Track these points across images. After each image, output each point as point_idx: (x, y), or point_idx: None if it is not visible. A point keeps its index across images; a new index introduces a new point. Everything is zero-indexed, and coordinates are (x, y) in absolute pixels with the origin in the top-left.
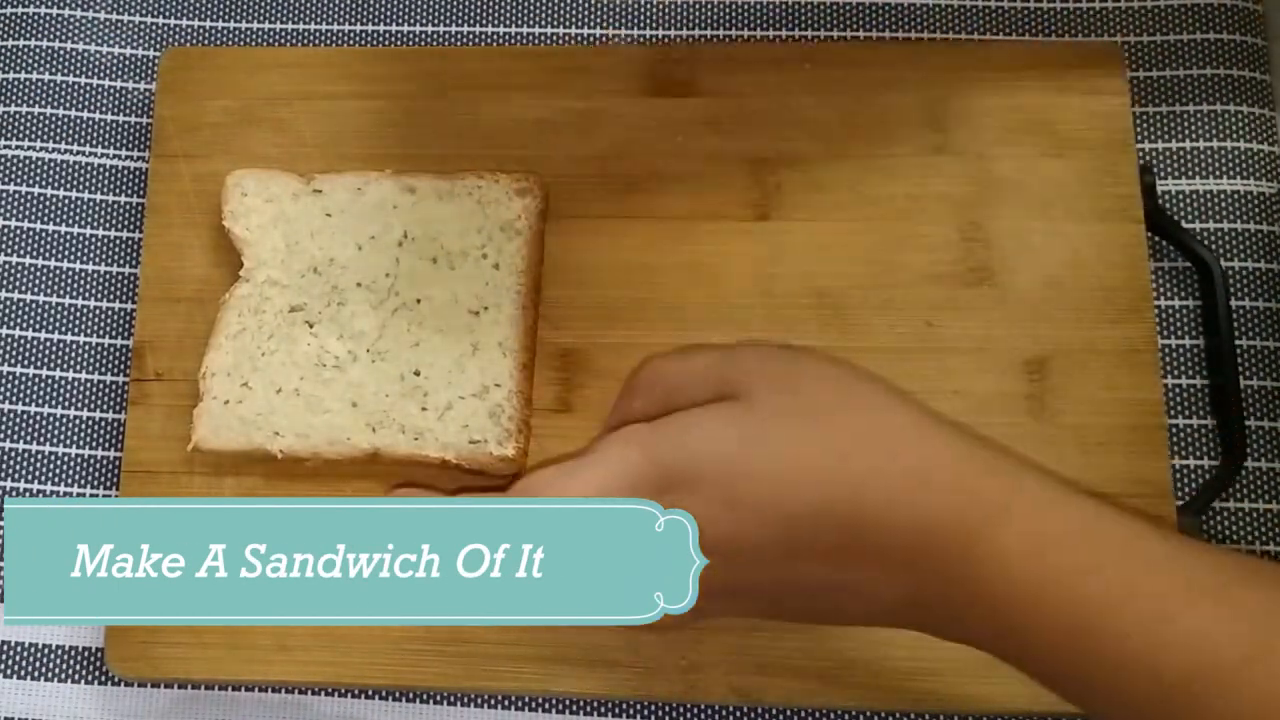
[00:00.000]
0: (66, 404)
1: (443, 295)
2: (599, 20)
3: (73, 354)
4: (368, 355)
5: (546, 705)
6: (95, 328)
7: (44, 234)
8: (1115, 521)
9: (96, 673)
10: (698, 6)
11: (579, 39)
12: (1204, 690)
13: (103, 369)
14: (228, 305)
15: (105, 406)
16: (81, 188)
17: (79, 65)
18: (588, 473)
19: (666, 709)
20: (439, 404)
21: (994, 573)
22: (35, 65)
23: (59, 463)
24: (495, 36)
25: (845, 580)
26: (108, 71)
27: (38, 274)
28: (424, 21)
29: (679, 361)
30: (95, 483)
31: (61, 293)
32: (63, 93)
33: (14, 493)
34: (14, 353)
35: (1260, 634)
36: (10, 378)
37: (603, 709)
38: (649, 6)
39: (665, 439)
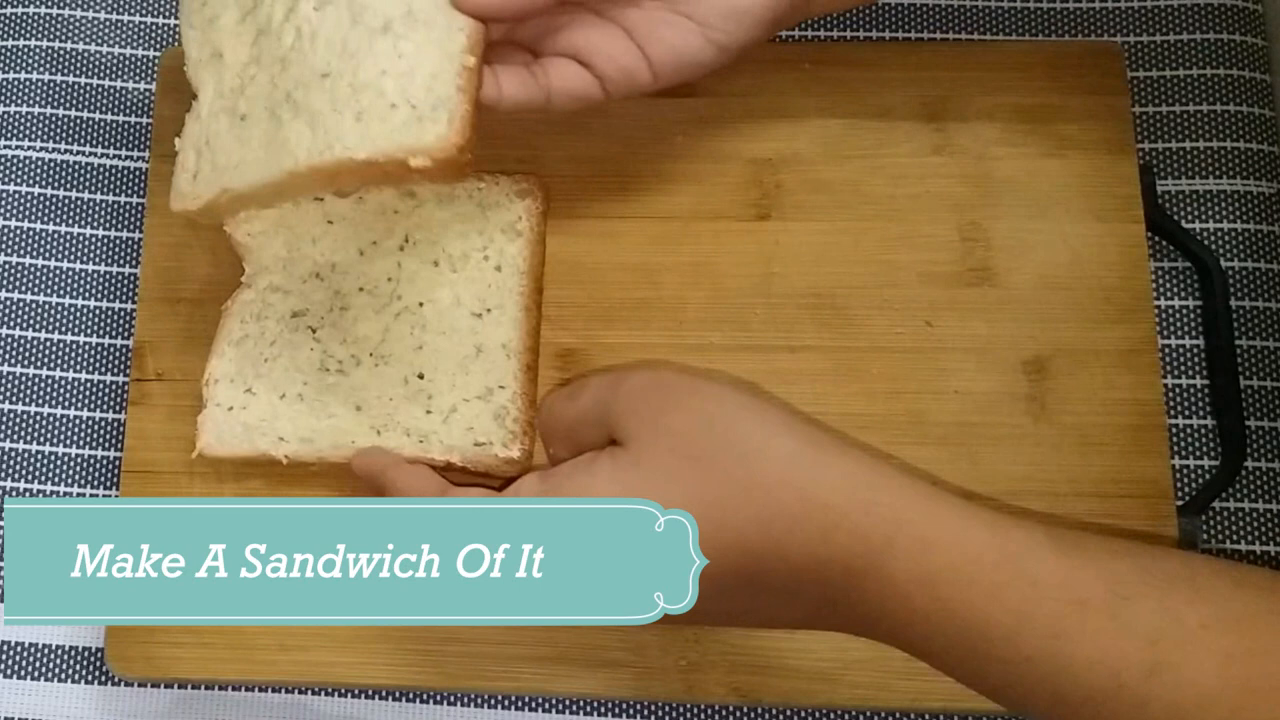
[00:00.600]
0: (66, 404)
1: (445, 298)
2: None
3: (73, 354)
4: (371, 359)
5: (546, 705)
6: (95, 328)
7: (44, 234)
8: (1006, 539)
9: (96, 673)
10: None
11: None
12: (1109, 710)
13: (103, 369)
14: (230, 312)
15: (105, 406)
16: (81, 188)
17: (79, 65)
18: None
19: (666, 709)
20: (443, 407)
21: (888, 603)
22: (35, 65)
23: (59, 463)
24: None
25: (748, 605)
26: (108, 71)
27: (38, 274)
28: None
29: (568, 401)
30: (95, 483)
31: (61, 293)
32: (63, 93)
33: (14, 493)
34: (14, 353)
35: (1157, 648)
36: (10, 378)
37: (603, 709)
38: None
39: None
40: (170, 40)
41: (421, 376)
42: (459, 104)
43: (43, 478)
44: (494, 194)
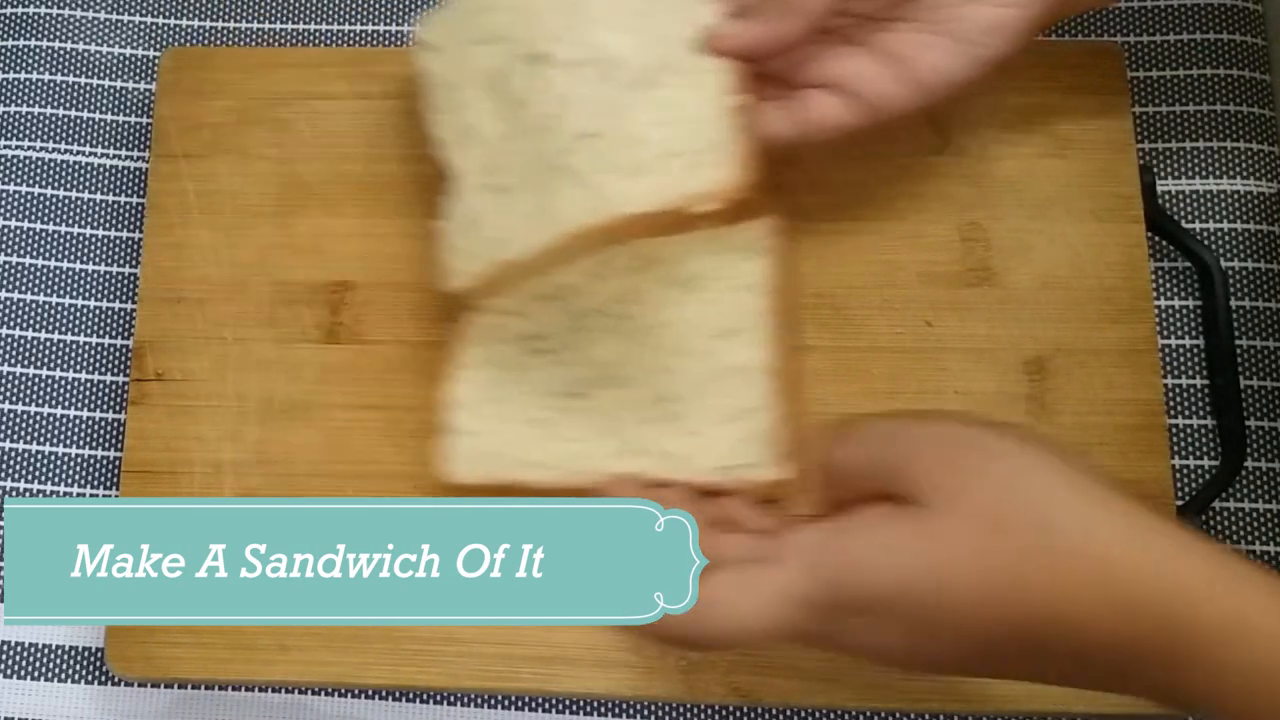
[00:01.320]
0: (66, 404)
1: (686, 319)
2: None
3: (73, 354)
4: (613, 382)
5: (546, 705)
6: (95, 328)
7: (44, 234)
8: None
9: (96, 673)
10: None
11: None
12: None
13: (103, 369)
14: (464, 336)
15: (105, 406)
16: (81, 188)
17: (79, 65)
18: (756, 593)
19: (666, 709)
20: (695, 429)
21: (1207, 689)
22: (35, 65)
23: (59, 463)
24: None
25: (1022, 668)
26: (108, 71)
27: (38, 274)
28: None
29: (841, 445)
30: (95, 483)
31: (61, 293)
32: (63, 93)
33: (14, 493)
34: (14, 353)
35: None
36: (10, 378)
37: (603, 709)
38: None
39: (837, 563)
40: (170, 40)
41: (669, 399)
42: (735, 144)
43: (43, 478)
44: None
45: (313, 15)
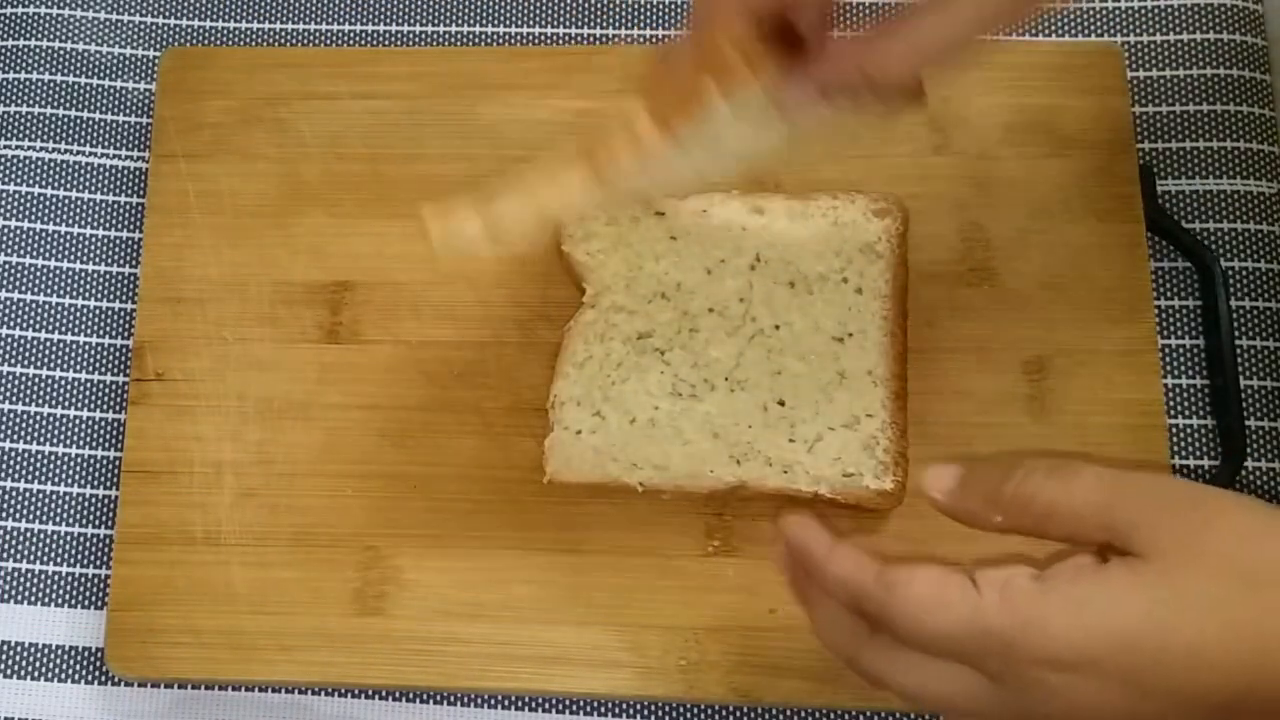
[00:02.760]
0: (66, 404)
1: (802, 321)
2: (599, 20)
3: (73, 354)
4: (725, 384)
5: (546, 705)
6: (95, 328)
7: (44, 234)
8: None
9: (96, 673)
10: None
11: (579, 39)
12: None
13: (103, 369)
14: (572, 332)
15: (105, 406)
16: (81, 188)
17: (79, 65)
18: (949, 593)
19: (666, 709)
20: (808, 435)
21: None
22: (35, 65)
23: (59, 463)
24: (495, 36)
25: None
26: (108, 71)
27: (38, 274)
28: (424, 21)
29: (1059, 484)
30: (95, 483)
31: (61, 293)
32: (63, 93)
33: (14, 493)
34: (14, 353)
35: None
36: (10, 378)
37: (603, 709)
38: (649, 6)
39: (1056, 607)
40: (170, 40)
41: (782, 403)
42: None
43: (43, 478)
44: (849, 213)
45: (313, 15)
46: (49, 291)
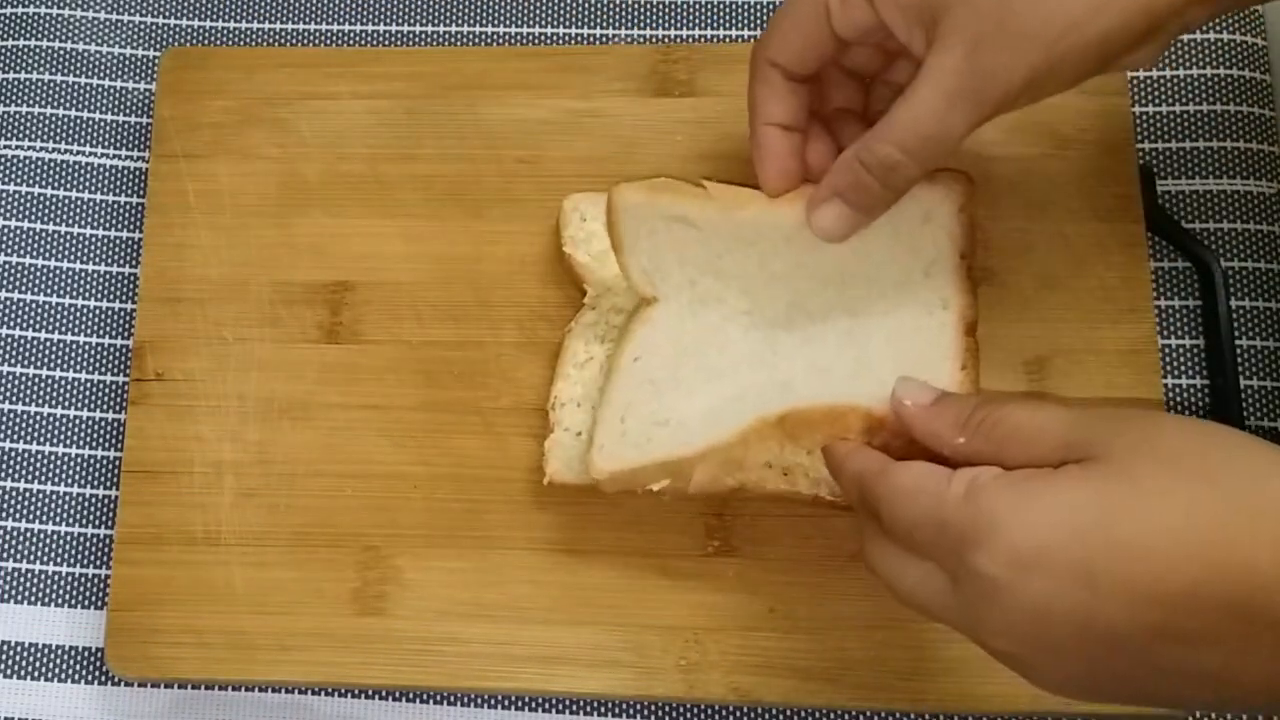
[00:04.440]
0: (66, 404)
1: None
2: (599, 20)
3: (73, 354)
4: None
5: (546, 705)
6: (95, 328)
7: (44, 234)
8: None
9: (96, 673)
10: (698, 6)
11: (579, 39)
12: None
13: (103, 369)
14: (573, 333)
15: (105, 406)
16: (81, 188)
17: (79, 65)
18: (921, 502)
19: (666, 709)
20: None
21: None
22: (35, 65)
23: (59, 463)
24: (495, 36)
25: (1225, 665)
26: (108, 71)
27: (38, 274)
28: (424, 21)
29: (1025, 412)
30: (95, 483)
31: (61, 293)
32: (63, 93)
33: (14, 493)
34: (14, 353)
35: None
36: (10, 378)
37: (603, 709)
38: (649, 6)
39: (1007, 501)
40: (170, 40)
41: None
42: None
43: (43, 478)
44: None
45: (313, 15)
46: (49, 291)
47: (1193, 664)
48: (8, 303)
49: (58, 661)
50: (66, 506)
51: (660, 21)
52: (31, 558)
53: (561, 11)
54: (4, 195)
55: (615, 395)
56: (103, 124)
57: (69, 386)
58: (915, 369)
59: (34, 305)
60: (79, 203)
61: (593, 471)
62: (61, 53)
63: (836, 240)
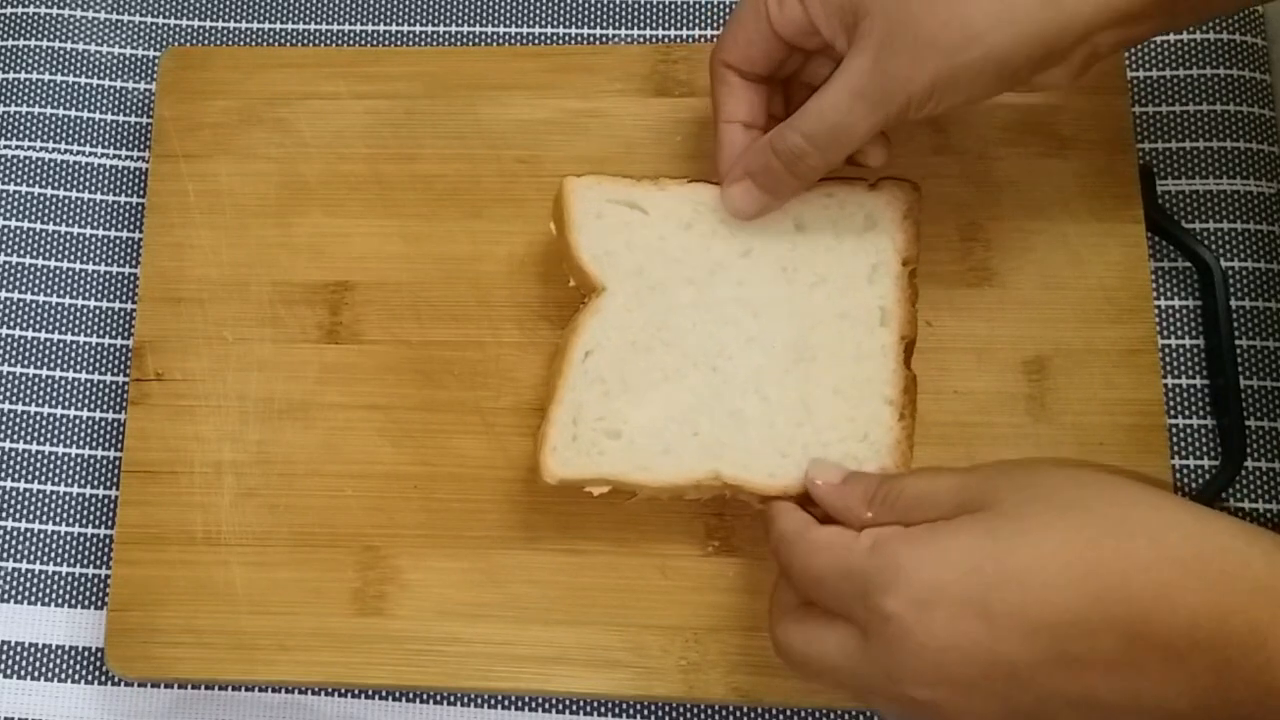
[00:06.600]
0: (66, 404)
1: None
2: (599, 20)
3: (73, 354)
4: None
5: (546, 705)
6: (95, 328)
7: (44, 234)
8: None
9: (96, 673)
10: (698, 6)
11: (579, 39)
12: None
13: (103, 369)
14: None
15: (105, 406)
16: (81, 188)
17: (79, 65)
18: (830, 554)
19: (666, 709)
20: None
21: None
22: (35, 65)
23: (59, 463)
24: (495, 36)
25: (1122, 691)
26: (108, 71)
27: (38, 274)
28: (424, 21)
29: (923, 481)
30: (95, 483)
31: (61, 293)
32: (63, 93)
33: (14, 493)
34: (14, 353)
35: None
36: (10, 378)
37: (603, 709)
38: (649, 6)
39: (909, 547)
40: (170, 40)
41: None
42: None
43: (43, 478)
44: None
45: (313, 15)
46: (49, 291)
47: (1097, 694)
48: (8, 303)
49: (58, 661)
50: (66, 506)
51: (660, 21)
52: (31, 558)
53: (561, 11)
54: (4, 195)
55: (566, 394)
56: (103, 124)
57: (69, 386)
58: (856, 405)
59: (34, 305)
60: (79, 203)
61: (544, 474)
62: (61, 53)
63: (745, 218)
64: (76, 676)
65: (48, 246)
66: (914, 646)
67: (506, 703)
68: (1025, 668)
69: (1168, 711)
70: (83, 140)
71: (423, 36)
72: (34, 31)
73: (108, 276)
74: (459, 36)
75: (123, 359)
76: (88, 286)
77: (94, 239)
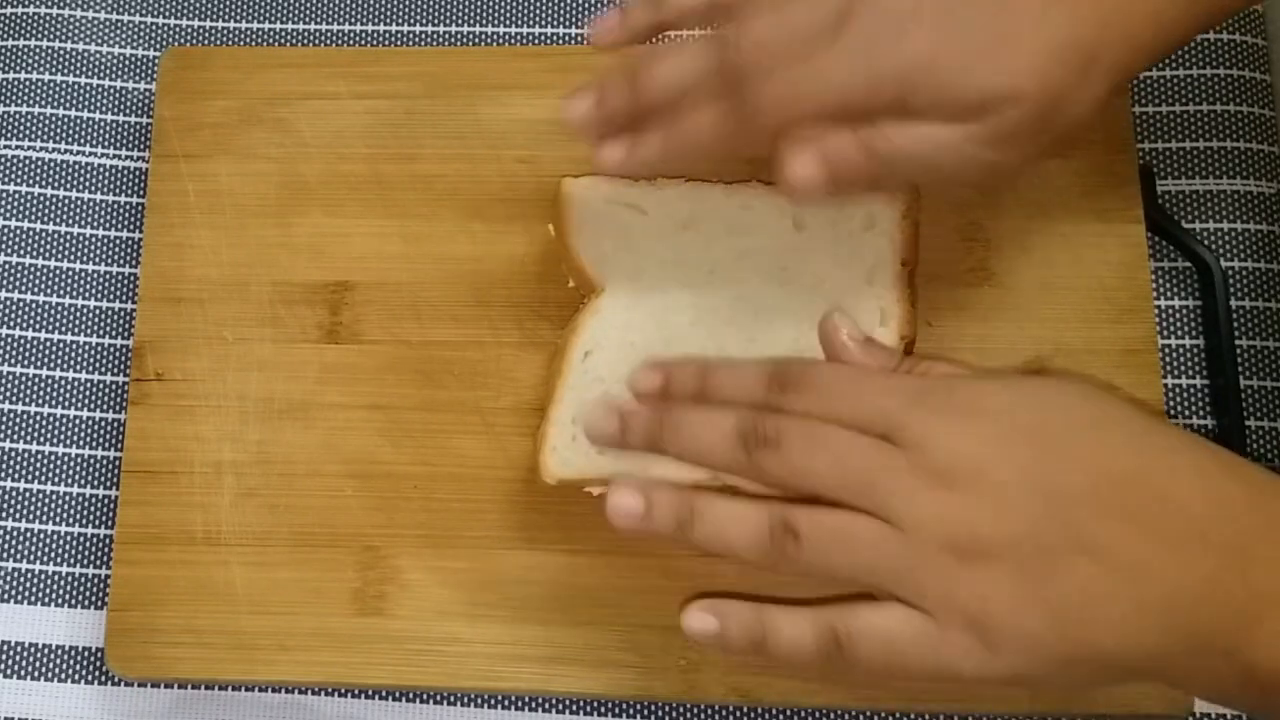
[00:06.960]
0: (66, 404)
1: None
2: None
3: (73, 354)
4: None
5: (546, 705)
6: (95, 328)
7: (44, 234)
8: None
9: (96, 673)
10: None
11: (579, 39)
12: None
13: (103, 369)
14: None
15: (105, 406)
16: (81, 188)
17: (79, 65)
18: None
19: (666, 709)
20: None
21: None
22: (35, 65)
23: (59, 463)
24: (495, 36)
25: (1140, 556)
26: (108, 71)
27: (38, 274)
28: (424, 21)
29: (953, 368)
30: (95, 483)
31: (61, 293)
32: (63, 93)
33: (14, 493)
34: (14, 353)
35: None
36: (10, 378)
37: (603, 709)
38: None
39: (965, 380)
40: (170, 40)
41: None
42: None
43: (43, 478)
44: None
45: (313, 15)
46: (49, 291)
47: (1116, 548)
48: (8, 303)
49: (58, 661)
50: (66, 506)
51: None
52: (31, 558)
53: (561, 11)
54: (4, 195)
55: (566, 393)
56: (103, 124)
57: (69, 386)
58: None
59: (34, 305)
60: (79, 203)
61: (544, 474)
62: (61, 53)
63: (802, 192)
64: (76, 676)
65: (48, 246)
66: (955, 441)
67: (506, 703)
68: (1062, 496)
69: (1173, 585)
70: (83, 140)
71: (423, 36)
72: (34, 31)
73: (108, 276)
74: (459, 36)
75: (123, 359)
76: (88, 286)
77: (94, 239)
